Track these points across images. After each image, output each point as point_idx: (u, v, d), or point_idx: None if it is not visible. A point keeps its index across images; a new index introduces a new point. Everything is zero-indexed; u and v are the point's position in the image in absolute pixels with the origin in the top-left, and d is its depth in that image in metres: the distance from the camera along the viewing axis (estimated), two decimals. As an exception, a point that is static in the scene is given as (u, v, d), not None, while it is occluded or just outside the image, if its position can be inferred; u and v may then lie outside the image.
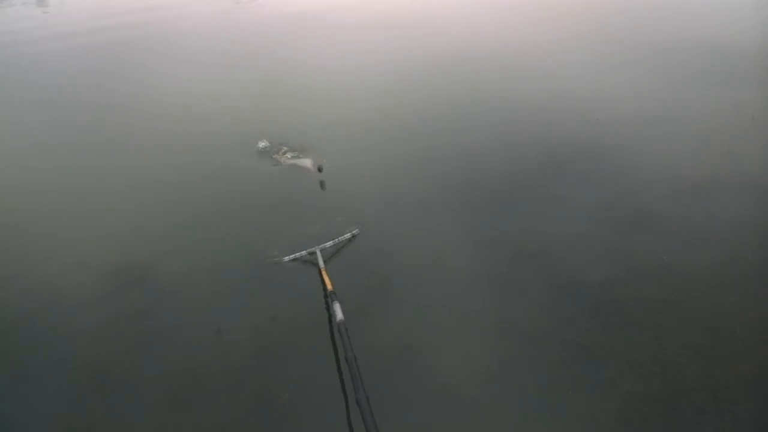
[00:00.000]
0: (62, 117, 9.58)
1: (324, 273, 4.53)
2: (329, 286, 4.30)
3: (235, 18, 17.11)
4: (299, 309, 4.40)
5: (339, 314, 3.80)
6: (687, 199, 5.37)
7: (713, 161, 6.06)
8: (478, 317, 4.16)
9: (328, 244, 5.04)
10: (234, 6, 18.86)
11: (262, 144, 7.41)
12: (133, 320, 4.44)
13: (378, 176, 6.37)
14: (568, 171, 6.12)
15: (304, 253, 4.96)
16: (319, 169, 6.24)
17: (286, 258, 4.93)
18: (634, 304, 4.13)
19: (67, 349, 4.20)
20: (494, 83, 9.38)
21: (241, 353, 3.99)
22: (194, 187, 6.54)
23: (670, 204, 5.31)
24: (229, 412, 3.52)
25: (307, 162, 6.74)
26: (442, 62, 10.71)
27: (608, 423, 3.25)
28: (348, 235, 5.16)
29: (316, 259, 4.81)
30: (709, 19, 12.35)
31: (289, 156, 7.06)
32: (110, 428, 3.54)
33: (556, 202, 5.52)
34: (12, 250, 5.68)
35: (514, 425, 3.31)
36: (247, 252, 5.07)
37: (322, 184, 6.28)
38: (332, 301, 4.01)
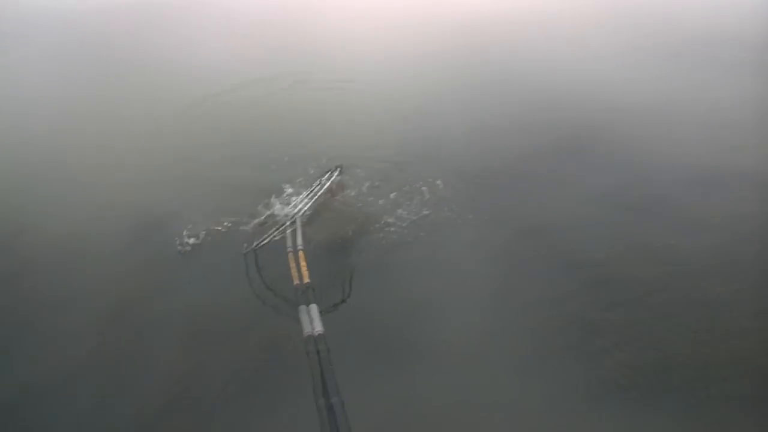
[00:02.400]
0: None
1: (298, 258, 3.83)
2: (305, 276, 3.52)
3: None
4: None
5: (317, 324, 3.01)
6: (696, 188, 5.46)
7: (723, 151, 6.14)
8: (482, 284, 4.33)
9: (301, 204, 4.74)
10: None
11: None
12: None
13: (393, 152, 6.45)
14: (582, 153, 6.22)
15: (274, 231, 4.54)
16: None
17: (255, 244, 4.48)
18: (635, 283, 4.27)
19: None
20: (515, 63, 9.41)
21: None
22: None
23: (677, 191, 5.40)
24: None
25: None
26: (464, 44, 10.72)
27: (600, 388, 3.44)
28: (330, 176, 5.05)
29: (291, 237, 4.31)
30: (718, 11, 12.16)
31: None
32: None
33: (567, 183, 5.64)
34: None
35: (510, 384, 3.51)
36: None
37: None
38: (308, 303, 3.24)
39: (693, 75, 8.48)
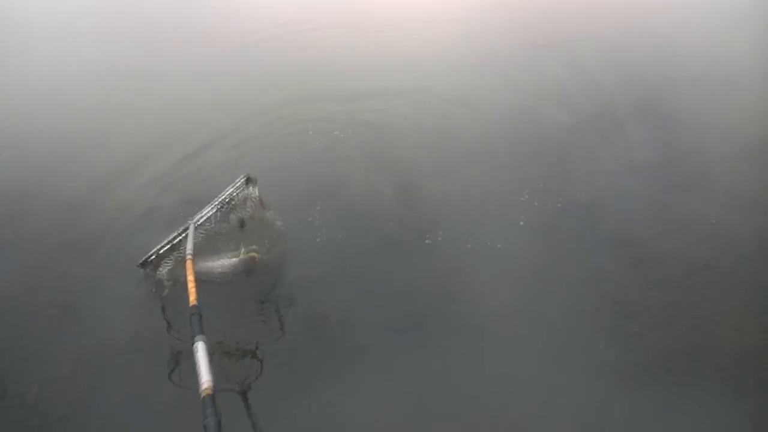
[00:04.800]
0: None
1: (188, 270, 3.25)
2: (191, 294, 2.93)
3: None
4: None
5: (203, 374, 2.21)
6: (744, 164, 5.17)
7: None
8: (520, 260, 4.24)
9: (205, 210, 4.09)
10: None
11: None
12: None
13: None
14: (627, 126, 5.93)
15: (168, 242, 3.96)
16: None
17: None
18: (674, 263, 4.13)
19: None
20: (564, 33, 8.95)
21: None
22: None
23: (725, 167, 5.13)
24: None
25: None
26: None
27: (631, 373, 3.39)
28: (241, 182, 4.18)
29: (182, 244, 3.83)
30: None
31: None
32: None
33: (611, 157, 5.41)
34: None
35: (541, 364, 3.48)
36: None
37: None
38: (193, 335, 2.47)
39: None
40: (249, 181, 4.23)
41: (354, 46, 8.78)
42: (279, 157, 5.75)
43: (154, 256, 3.90)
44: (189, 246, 3.54)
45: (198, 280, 3.21)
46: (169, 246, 3.94)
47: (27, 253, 4.81)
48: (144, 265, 3.94)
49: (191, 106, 7.22)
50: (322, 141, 5.97)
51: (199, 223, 4.02)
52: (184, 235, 3.90)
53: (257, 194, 4.26)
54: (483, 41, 8.71)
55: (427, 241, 4.44)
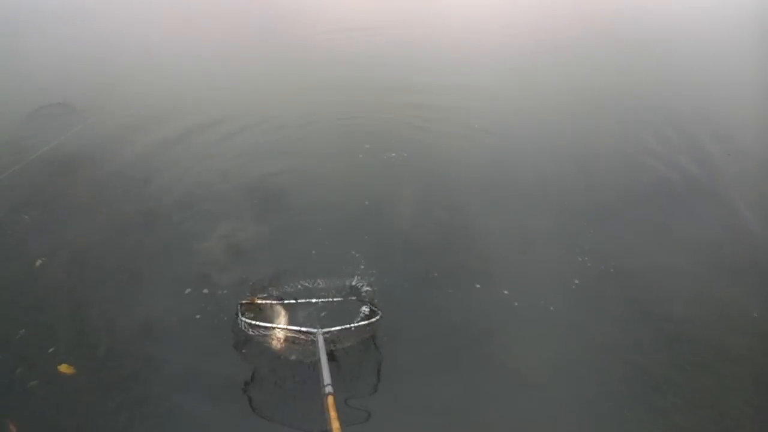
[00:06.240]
0: None
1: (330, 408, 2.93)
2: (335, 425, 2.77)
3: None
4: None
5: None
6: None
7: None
8: (556, 319, 4.42)
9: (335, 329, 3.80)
10: None
11: None
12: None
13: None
14: (682, 201, 6.06)
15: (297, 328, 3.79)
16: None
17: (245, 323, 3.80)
18: (710, 349, 4.22)
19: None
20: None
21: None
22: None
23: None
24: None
25: None
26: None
27: (652, 446, 3.54)
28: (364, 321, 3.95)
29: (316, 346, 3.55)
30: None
31: None
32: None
33: (661, 230, 5.54)
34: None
35: (562, 417, 3.66)
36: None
37: None
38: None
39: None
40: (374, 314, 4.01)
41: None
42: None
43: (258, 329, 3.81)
44: (326, 376, 3.15)
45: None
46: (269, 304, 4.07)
47: (105, 217, 5.31)
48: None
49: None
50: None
51: (326, 334, 3.73)
52: (288, 302, 4.07)
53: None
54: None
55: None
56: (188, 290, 4.42)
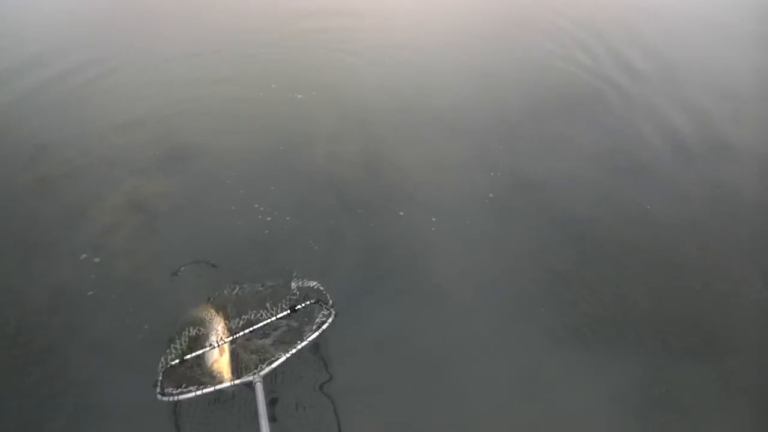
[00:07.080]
0: None
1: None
2: None
3: None
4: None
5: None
6: (681, 157, 5.72)
7: (722, 123, 6.32)
8: (473, 233, 4.65)
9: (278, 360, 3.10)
10: None
11: None
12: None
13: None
14: (578, 112, 6.39)
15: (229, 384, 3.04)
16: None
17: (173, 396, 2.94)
18: (610, 243, 4.65)
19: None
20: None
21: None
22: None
23: (665, 159, 5.66)
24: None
25: None
26: None
27: (564, 335, 3.90)
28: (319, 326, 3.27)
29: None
30: None
31: None
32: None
33: (563, 141, 5.86)
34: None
35: (485, 323, 3.95)
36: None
37: None
38: None
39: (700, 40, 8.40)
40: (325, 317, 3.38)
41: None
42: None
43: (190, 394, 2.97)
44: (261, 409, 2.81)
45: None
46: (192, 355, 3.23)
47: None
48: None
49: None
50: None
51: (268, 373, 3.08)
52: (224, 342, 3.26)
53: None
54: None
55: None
56: (94, 258, 4.18)
